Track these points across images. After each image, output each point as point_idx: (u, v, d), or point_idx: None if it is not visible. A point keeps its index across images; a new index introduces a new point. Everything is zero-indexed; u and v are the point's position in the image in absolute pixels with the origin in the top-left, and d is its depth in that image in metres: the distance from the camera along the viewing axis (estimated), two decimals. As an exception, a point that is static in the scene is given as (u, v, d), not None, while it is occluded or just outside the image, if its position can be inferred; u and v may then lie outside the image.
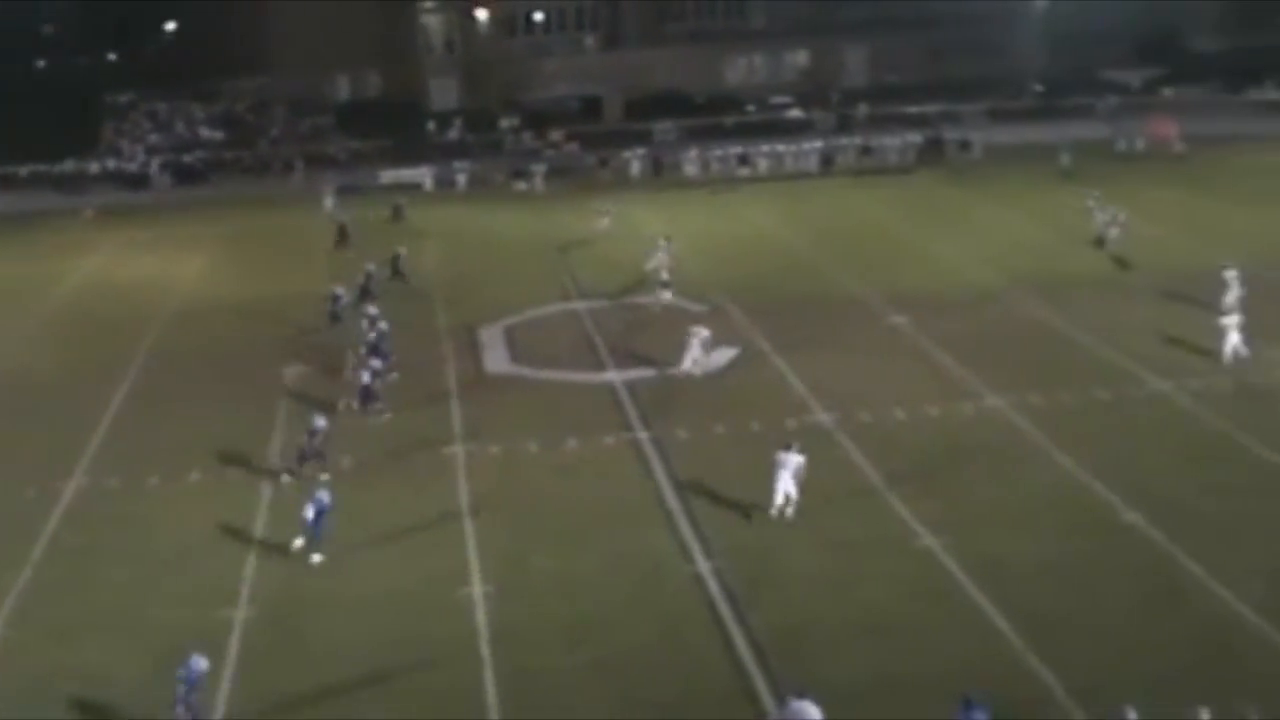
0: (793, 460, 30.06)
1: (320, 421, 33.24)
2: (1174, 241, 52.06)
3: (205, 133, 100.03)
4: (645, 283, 48.30)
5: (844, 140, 77.64)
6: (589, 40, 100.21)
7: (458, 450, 34.36)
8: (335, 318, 44.97)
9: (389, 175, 74.14)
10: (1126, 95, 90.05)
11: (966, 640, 24.72)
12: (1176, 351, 39.83)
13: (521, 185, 71.31)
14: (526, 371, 40.42)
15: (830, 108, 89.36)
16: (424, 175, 73.86)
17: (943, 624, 25.30)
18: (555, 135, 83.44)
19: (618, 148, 76.61)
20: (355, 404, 37.09)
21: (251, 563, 28.90)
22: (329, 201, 67.04)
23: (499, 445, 34.25)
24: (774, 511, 29.80)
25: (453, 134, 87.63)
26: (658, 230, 55.05)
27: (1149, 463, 32.19)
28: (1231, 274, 42.04)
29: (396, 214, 62.69)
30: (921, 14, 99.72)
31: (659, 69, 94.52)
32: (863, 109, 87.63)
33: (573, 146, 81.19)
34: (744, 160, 72.78)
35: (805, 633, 25.21)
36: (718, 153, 74.19)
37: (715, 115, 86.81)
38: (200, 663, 22.49)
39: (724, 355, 40.86)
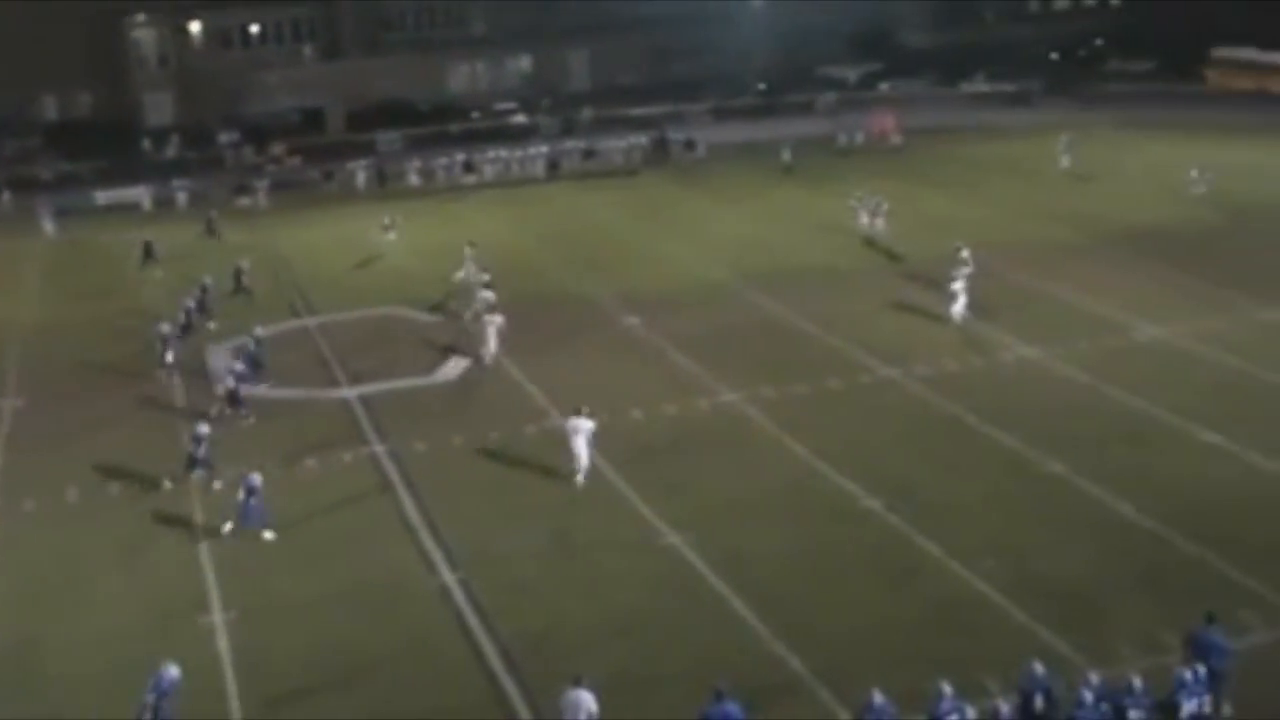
0: (584, 425, 31.67)
1: (203, 428, 33.41)
2: (895, 231, 54.03)
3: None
4: (455, 295, 47.38)
5: (569, 144, 78.24)
6: (308, 51, 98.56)
7: (193, 474, 33.38)
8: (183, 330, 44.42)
9: (105, 196, 71.47)
10: (845, 91, 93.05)
11: (715, 633, 25.29)
12: (904, 338, 41.50)
13: (245, 201, 69.70)
14: (259, 391, 39.55)
15: (554, 112, 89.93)
16: (141, 195, 71.39)
17: (691, 619, 25.82)
18: (277, 149, 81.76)
19: (342, 160, 75.59)
20: (226, 409, 37.29)
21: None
22: (48, 225, 64.68)
23: (235, 468, 33.45)
24: (580, 477, 31.53)
25: (170, 151, 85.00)
26: (383, 241, 54.69)
27: (883, 448, 33.45)
28: (965, 253, 45.04)
29: (209, 228, 59.88)
30: (642, 16, 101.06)
31: (381, 78, 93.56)
32: (587, 112, 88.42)
33: (295, 160, 79.72)
34: (469, 167, 72.76)
35: (555, 637, 25.42)
36: (443, 161, 73.88)
37: (440, 123, 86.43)
38: (172, 671, 22.45)
39: (458, 365, 40.78)
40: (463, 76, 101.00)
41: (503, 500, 31.35)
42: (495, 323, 41.06)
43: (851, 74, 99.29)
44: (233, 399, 37.64)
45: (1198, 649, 21.97)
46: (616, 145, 76.45)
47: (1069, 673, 22.49)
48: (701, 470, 32.59)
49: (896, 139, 76.03)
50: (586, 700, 21.50)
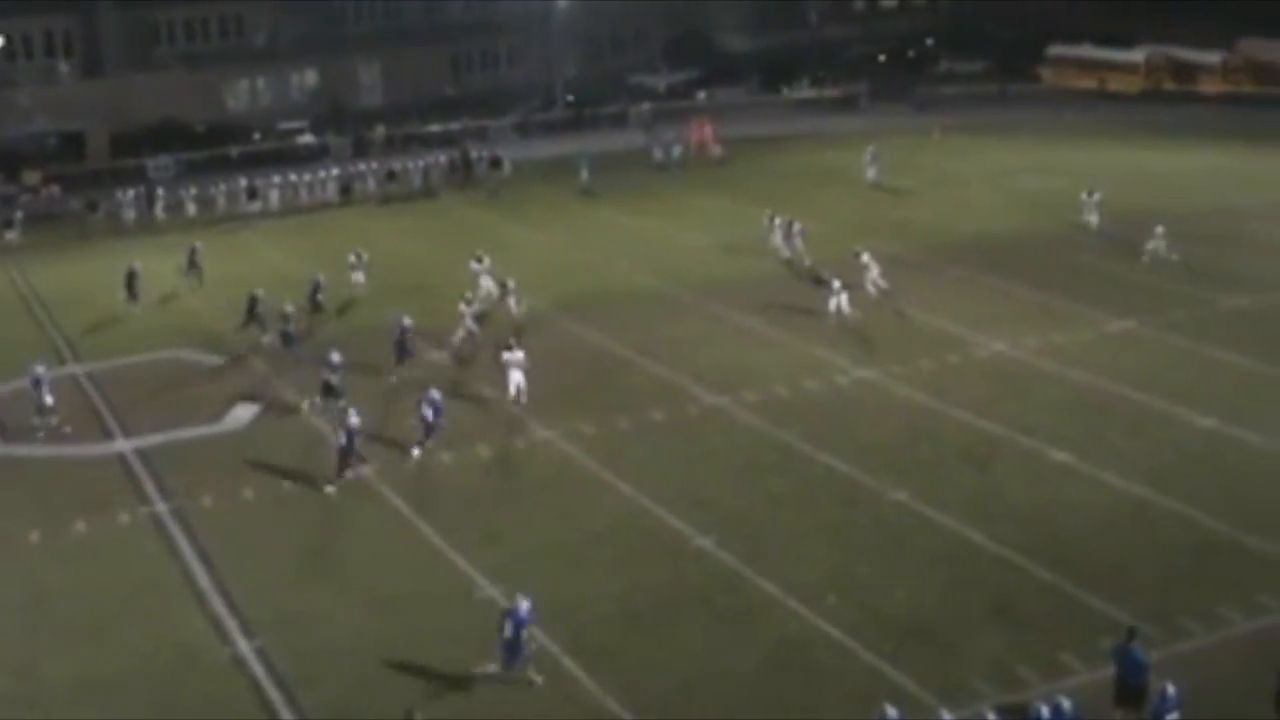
0: (517, 356, 38.31)
1: (354, 419, 34.86)
2: (714, 253, 54.78)
3: None
4: (157, 336, 46.77)
5: (363, 166, 77.73)
6: (64, 68, 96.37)
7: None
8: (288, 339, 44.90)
9: None
10: (660, 101, 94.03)
11: (541, 692, 25.28)
12: (732, 364, 42.11)
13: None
14: (19, 450, 38.49)
15: (346, 131, 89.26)
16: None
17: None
18: (32, 178, 79.70)
19: (108, 188, 73.97)
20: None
21: None
22: None
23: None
24: (510, 404, 37.71)
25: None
26: (167, 282, 53.87)
27: (712, 482, 33.89)
28: (865, 256, 47.78)
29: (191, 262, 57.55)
30: (438, 24, 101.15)
31: (150, 97, 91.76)
32: (381, 130, 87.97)
33: (54, 189, 77.77)
34: (253, 194, 71.71)
35: (365, 706, 25.18)
36: (223, 187, 72.76)
37: (218, 145, 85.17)
38: (524, 603, 25.17)
39: (246, 411, 40.28)
40: (242, 93, 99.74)
41: (302, 558, 30.99)
42: (467, 315, 44.00)
43: (666, 82, 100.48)
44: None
45: (1121, 665, 23.19)
46: (415, 166, 76.18)
47: (922, 713, 23.01)
48: (519, 515, 32.63)
49: (717, 151, 77.03)
50: None
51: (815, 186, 66.69)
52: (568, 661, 26.17)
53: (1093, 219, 55.87)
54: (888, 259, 51.29)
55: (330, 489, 34.22)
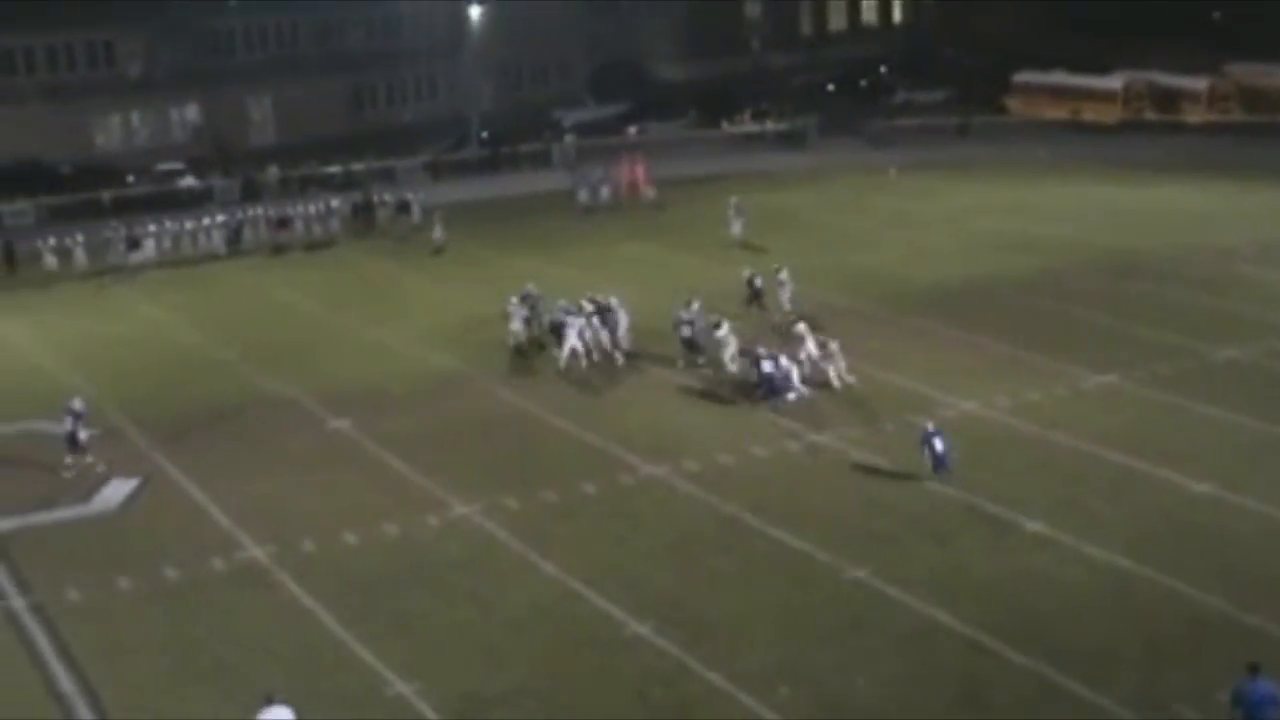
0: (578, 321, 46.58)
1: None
2: (650, 303, 54.91)
3: None
4: (9, 405, 46.38)
5: (253, 211, 77.48)
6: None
7: None
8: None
9: None
10: (586, 138, 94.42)
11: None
12: (667, 428, 42.17)
13: None
14: None
15: (233, 172, 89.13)
16: None
17: (424, 785, 25.63)
18: None
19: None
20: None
21: None
22: None
23: None
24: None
25: None
26: (23, 344, 53.32)
27: (650, 562, 33.86)
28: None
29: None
30: (336, 53, 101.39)
31: (5, 134, 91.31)
32: (273, 171, 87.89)
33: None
34: (135, 244, 71.08)
35: (256, 820, 24.90)
36: (88, 237, 71.98)
37: (86, 189, 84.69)
38: None
39: (121, 488, 39.96)
40: (114, 130, 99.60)
41: (184, 656, 30.62)
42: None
43: (592, 116, 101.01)
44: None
45: (1245, 705, 23.52)
46: (312, 211, 76.03)
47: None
48: (433, 602, 32.45)
49: (650, 192, 77.40)
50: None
51: (759, 231, 66.96)
52: (487, 766, 26.04)
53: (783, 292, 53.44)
54: (838, 311, 51.69)
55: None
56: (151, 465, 41.73)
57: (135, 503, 39.46)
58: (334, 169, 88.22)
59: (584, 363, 47.77)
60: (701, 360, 46.88)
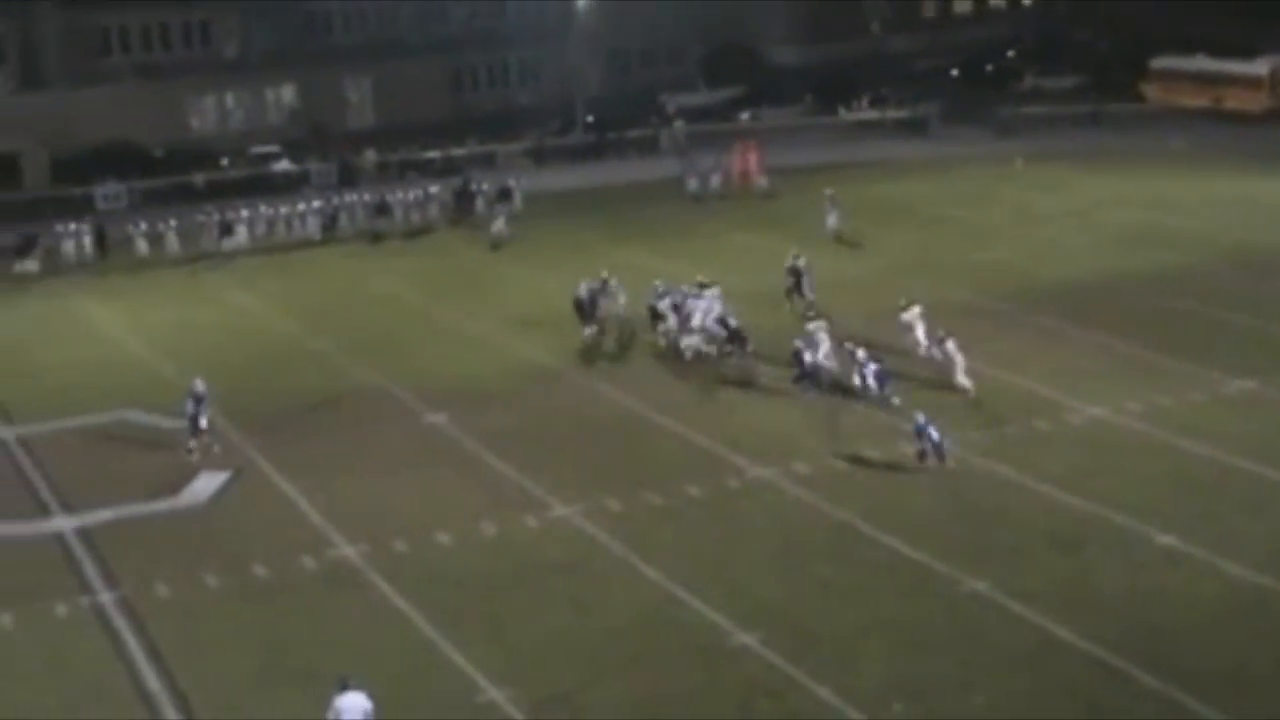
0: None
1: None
2: (756, 298, 54.72)
3: None
4: (102, 394, 47.00)
5: (350, 197, 77.93)
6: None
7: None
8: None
9: None
10: (697, 123, 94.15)
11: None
12: (779, 431, 41.99)
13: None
14: None
15: (329, 157, 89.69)
16: None
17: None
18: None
19: (47, 221, 74.19)
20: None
21: None
22: None
23: None
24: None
25: None
26: (116, 332, 53.75)
27: (757, 569, 33.75)
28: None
29: None
30: (437, 37, 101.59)
31: (98, 115, 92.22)
32: (371, 156, 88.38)
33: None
34: (228, 229, 71.83)
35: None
36: (183, 222, 72.86)
37: (180, 172, 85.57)
38: None
39: (211, 481, 40.37)
40: (209, 112, 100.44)
41: (271, 656, 30.90)
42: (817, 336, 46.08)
43: (704, 101, 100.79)
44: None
45: None
46: (410, 197, 76.40)
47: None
48: (529, 606, 32.52)
49: (762, 181, 77.18)
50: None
51: (876, 224, 66.60)
52: (583, 779, 26.06)
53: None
54: (963, 308, 51.27)
55: None
56: (242, 458, 42.15)
57: (225, 497, 39.88)
58: (433, 154, 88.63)
59: (713, 348, 48.31)
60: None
